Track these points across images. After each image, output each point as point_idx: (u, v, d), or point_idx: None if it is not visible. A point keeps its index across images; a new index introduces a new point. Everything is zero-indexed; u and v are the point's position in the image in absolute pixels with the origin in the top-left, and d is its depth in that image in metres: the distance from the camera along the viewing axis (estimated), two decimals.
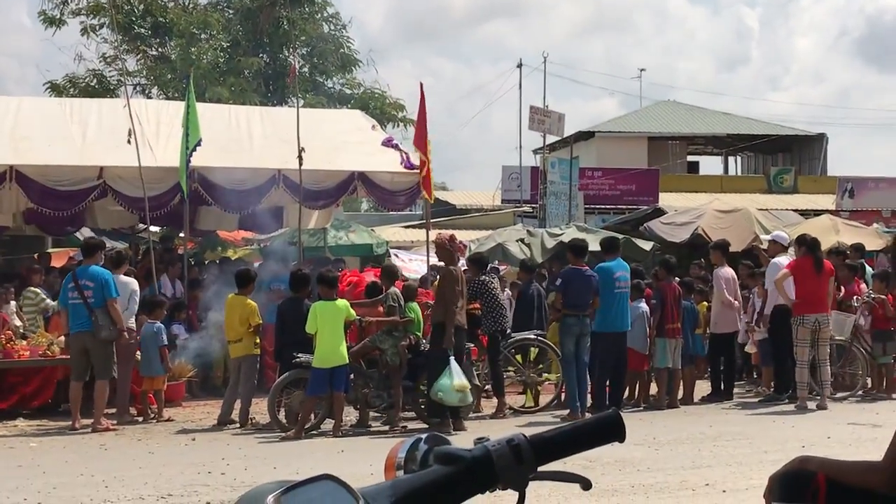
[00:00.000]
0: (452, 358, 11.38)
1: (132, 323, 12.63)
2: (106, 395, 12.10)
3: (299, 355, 11.67)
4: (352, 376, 11.79)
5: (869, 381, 14.30)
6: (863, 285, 14.91)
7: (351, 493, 1.37)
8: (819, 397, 12.91)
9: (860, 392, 13.99)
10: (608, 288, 12.69)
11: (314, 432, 11.62)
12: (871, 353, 14.15)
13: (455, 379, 11.26)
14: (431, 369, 11.56)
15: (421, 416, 12.01)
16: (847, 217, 26.03)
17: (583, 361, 12.66)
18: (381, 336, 12.07)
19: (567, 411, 12.59)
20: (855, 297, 14.37)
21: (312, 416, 11.66)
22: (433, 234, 15.19)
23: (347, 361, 11.52)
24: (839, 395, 13.61)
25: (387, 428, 11.77)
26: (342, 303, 11.81)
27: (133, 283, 12.81)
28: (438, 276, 12.14)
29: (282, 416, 11.83)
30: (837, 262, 13.99)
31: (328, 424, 11.72)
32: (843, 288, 14.34)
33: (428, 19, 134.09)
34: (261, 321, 12.54)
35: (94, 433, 11.75)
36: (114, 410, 12.49)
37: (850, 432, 10.86)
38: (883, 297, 14.19)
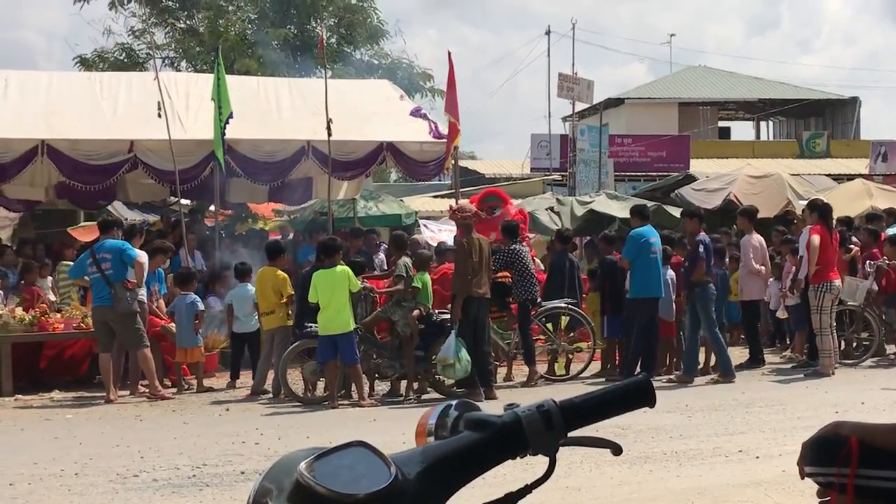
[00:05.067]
0: (453, 332, 11.35)
1: (143, 295, 12.54)
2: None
3: (309, 325, 11.73)
4: (363, 347, 11.80)
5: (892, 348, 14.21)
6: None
7: (382, 459, 1.38)
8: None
9: (875, 358, 13.84)
10: (644, 253, 12.63)
11: (345, 402, 11.68)
12: (885, 319, 14.02)
13: (440, 353, 11.31)
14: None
15: (432, 386, 12.00)
16: (880, 181, 25.79)
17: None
18: (391, 307, 12.05)
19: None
20: (868, 263, 14.21)
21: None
22: (457, 203, 15.11)
23: (351, 329, 11.45)
24: (849, 361, 13.52)
25: (416, 398, 11.78)
26: (342, 269, 11.63)
27: (143, 256, 12.70)
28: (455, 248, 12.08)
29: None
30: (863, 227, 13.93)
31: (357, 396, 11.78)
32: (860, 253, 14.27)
33: None
34: (293, 292, 12.57)
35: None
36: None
37: (883, 397, 10.80)
38: None
